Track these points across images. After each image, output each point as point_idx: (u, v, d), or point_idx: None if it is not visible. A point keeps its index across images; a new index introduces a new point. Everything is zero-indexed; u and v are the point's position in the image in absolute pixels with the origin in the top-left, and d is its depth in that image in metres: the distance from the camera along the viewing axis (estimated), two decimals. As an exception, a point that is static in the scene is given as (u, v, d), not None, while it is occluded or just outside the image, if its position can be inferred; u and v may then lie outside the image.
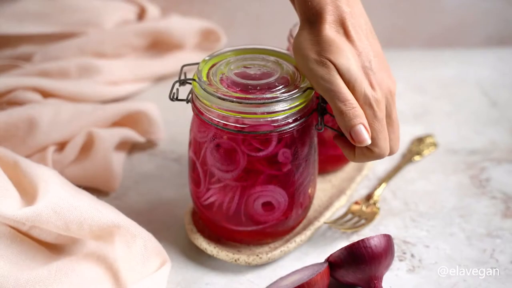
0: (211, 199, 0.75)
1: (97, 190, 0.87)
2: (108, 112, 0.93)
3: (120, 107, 0.94)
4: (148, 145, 0.98)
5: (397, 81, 1.16)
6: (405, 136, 1.00)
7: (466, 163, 0.95)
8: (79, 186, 0.79)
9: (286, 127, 0.69)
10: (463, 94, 1.13)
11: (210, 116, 0.70)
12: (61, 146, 0.90)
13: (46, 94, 0.98)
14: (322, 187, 0.88)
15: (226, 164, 0.71)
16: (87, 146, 0.89)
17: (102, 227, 0.71)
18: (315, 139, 0.75)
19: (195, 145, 0.74)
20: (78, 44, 1.09)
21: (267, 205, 0.74)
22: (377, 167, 0.93)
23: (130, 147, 0.97)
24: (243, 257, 0.76)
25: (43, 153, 0.88)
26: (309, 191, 0.77)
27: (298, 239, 0.78)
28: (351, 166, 0.92)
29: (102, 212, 0.71)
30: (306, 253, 0.79)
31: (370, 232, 0.82)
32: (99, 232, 0.71)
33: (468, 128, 1.03)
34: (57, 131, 0.89)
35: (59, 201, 0.70)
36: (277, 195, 0.73)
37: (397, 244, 0.80)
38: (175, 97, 0.74)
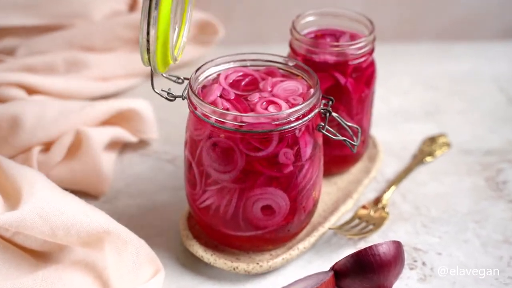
0: (208, 202, 0.74)
1: (85, 194, 0.87)
2: (97, 110, 0.92)
3: (110, 105, 0.94)
4: (140, 145, 0.97)
5: (406, 76, 1.16)
6: (416, 136, 1.00)
7: (482, 164, 0.94)
8: (66, 189, 0.78)
9: (287, 126, 0.69)
10: (478, 90, 1.13)
11: (206, 113, 0.70)
12: (47, 146, 0.90)
13: (31, 90, 0.98)
14: (327, 190, 0.87)
15: (223, 164, 0.71)
16: (75, 146, 0.89)
17: (91, 233, 0.70)
18: (320, 139, 0.75)
19: (191, 144, 0.74)
20: (65, 37, 1.08)
21: (267, 209, 0.73)
22: (386, 169, 0.93)
23: (121, 147, 0.96)
24: (242, 265, 0.75)
25: (27, 153, 0.87)
26: (313, 194, 0.76)
27: (301, 246, 0.78)
28: (358, 168, 0.92)
29: (90, 217, 0.71)
30: (309, 261, 0.79)
31: (379, 239, 0.82)
32: (87, 238, 0.71)
33: (483, 127, 1.03)
34: (42, 130, 0.88)
35: (45, 205, 0.70)
36: (278, 199, 0.73)
37: (407, 251, 0.80)
38: (170, 96, 0.74)
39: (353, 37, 0.86)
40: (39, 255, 0.73)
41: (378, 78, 0.90)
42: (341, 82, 0.82)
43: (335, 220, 0.83)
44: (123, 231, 0.72)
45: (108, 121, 0.95)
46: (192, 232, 0.79)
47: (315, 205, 0.78)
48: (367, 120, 0.89)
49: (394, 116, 1.06)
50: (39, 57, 1.04)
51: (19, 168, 0.76)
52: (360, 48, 0.82)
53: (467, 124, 1.04)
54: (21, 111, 0.88)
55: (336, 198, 0.87)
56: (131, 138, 0.94)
